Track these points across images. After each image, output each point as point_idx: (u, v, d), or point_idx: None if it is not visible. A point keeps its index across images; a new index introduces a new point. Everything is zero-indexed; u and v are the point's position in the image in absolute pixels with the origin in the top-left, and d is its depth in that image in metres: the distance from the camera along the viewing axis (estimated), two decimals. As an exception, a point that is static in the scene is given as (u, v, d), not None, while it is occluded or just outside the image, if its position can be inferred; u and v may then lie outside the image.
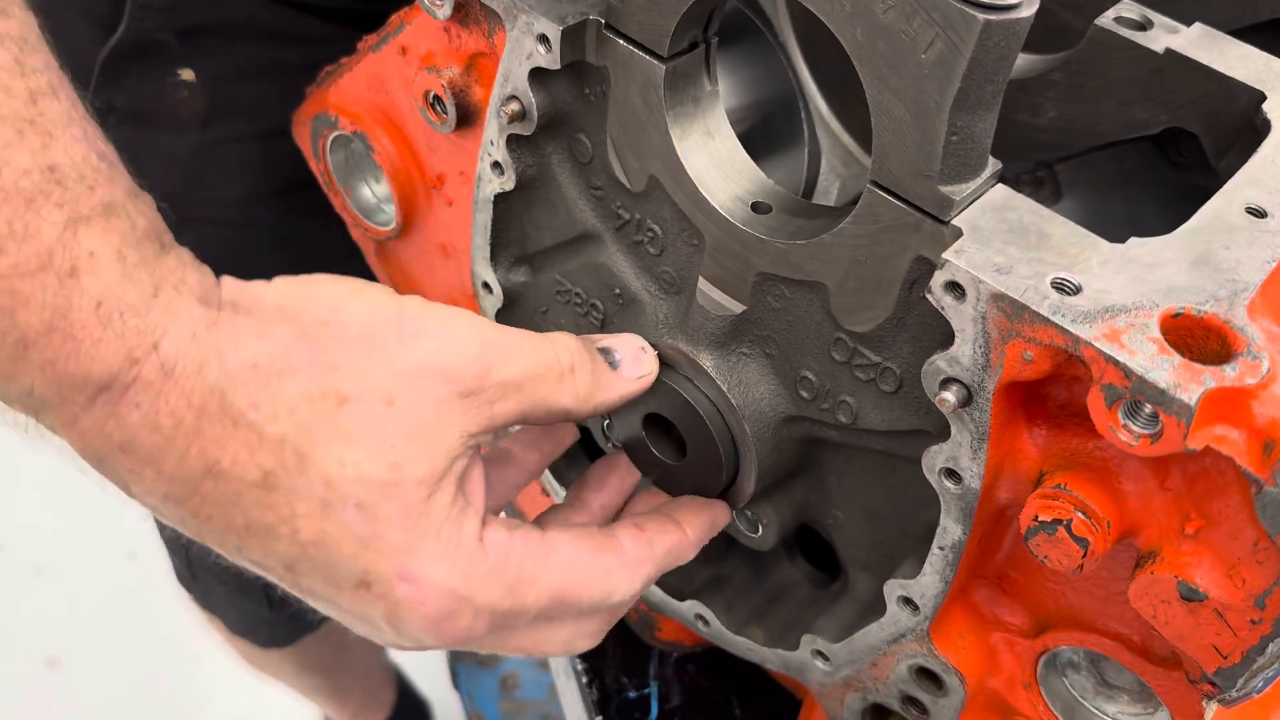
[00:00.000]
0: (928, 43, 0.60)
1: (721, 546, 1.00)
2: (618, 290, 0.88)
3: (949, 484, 0.71)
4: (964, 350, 0.65)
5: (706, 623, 0.98)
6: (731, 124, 0.81)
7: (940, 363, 0.67)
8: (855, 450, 0.82)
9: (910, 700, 0.86)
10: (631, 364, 0.78)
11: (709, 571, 1.00)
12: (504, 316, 0.97)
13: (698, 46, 0.75)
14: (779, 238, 0.75)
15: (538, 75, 0.79)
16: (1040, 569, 0.77)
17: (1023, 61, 0.87)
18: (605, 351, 0.76)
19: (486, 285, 0.96)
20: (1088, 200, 0.94)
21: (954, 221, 0.65)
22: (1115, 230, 0.76)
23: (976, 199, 0.66)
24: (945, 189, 0.64)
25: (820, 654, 0.89)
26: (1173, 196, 0.89)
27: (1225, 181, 0.74)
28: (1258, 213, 0.70)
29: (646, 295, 0.87)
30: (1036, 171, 0.94)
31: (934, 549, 0.75)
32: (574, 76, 0.80)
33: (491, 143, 0.86)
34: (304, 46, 1.22)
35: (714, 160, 0.78)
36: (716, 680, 1.18)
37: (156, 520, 0.65)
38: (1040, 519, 0.67)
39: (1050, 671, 0.82)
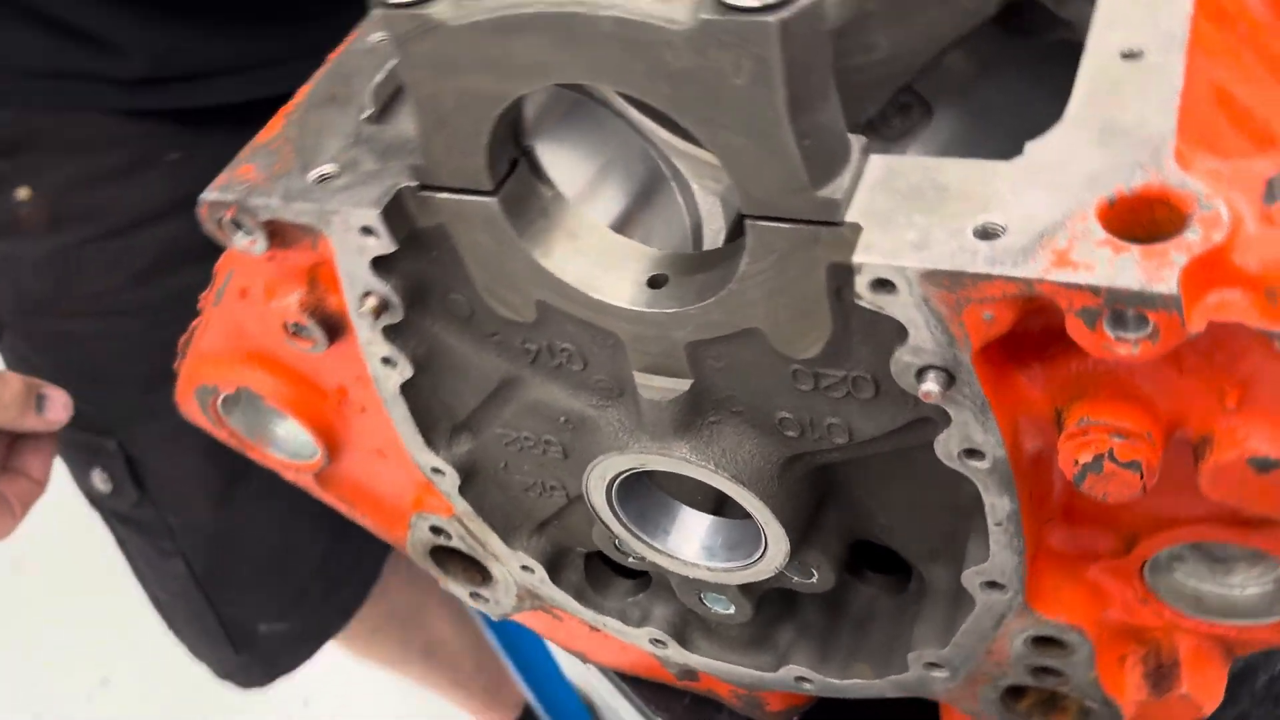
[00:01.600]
0: (735, 67, 0.55)
1: (789, 602, 0.94)
2: (563, 418, 0.83)
3: (974, 463, 0.66)
4: (922, 337, 0.60)
5: (809, 681, 0.93)
6: (597, 195, 0.77)
7: (905, 358, 0.62)
8: (869, 460, 0.77)
9: (1040, 670, 0.80)
10: (54, 409, 1.00)
11: (789, 632, 0.94)
12: (469, 489, 0.92)
13: (518, 162, 0.70)
14: (688, 305, 0.70)
15: (379, 263, 0.74)
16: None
17: (833, 10, 0.82)
18: (41, 397, 0.99)
19: (437, 470, 0.90)
20: (960, 104, 0.89)
21: (848, 219, 0.60)
22: (1003, 120, 0.71)
23: (858, 184, 0.61)
24: (823, 193, 0.59)
25: (933, 665, 0.83)
26: (1038, 63, 0.85)
27: (1081, 27, 0.69)
28: (1133, 54, 0.65)
29: (592, 410, 0.81)
30: (899, 100, 0.90)
31: (991, 527, 0.70)
32: (416, 246, 0.74)
33: (370, 343, 0.80)
34: (157, 145, 1.23)
35: (590, 259, 0.73)
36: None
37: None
38: (1081, 461, 0.61)
39: (1158, 575, 0.77)
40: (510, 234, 0.70)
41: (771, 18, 0.53)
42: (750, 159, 0.59)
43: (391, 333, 0.79)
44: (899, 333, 0.61)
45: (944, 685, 0.85)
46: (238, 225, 0.76)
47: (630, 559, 0.93)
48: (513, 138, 0.69)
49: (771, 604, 0.93)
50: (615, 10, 0.56)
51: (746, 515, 0.89)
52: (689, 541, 0.88)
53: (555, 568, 0.98)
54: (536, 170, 0.72)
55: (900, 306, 0.59)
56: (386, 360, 0.81)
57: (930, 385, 0.61)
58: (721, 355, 0.72)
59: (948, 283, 0.57)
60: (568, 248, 0.73)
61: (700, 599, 0.93)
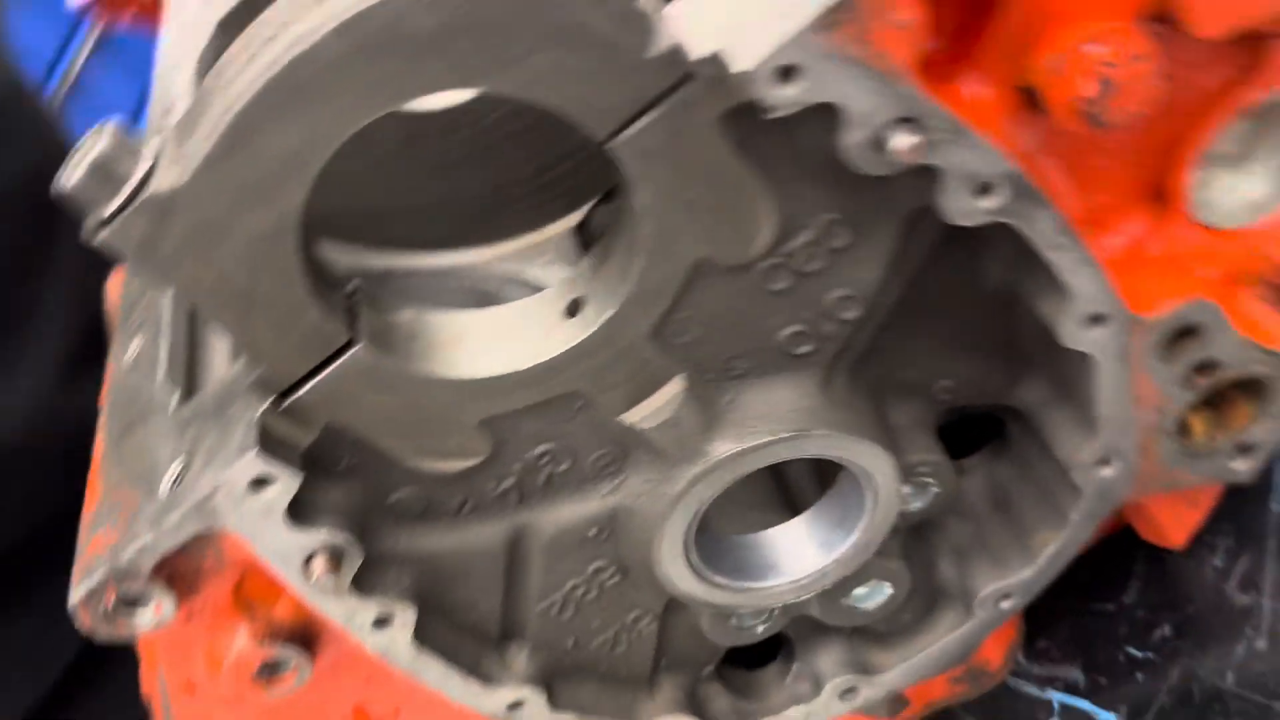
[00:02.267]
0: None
1: (930, 538, 0.81)
2: (593, 531, 0.70)
3: (989, 200, 0.57)
4: (859, 100, 0.51)
5: (1010, 594, 0.79)
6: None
7: (856, 135, 0.52)
8: (895, 324, 0.67)
9: (1194, 373, 0.70)
10: None
11: (951, 565, 0.81)
12: (561, 696, 0.76)
13: (355, 295, 0.58)
14: (623, 291, 0.59)
15: (296, 511, 0.60)
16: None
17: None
18: None
19: (515, 704, 0.74)
20: None
21: (696, 56, 0.51)
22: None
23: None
24: (656, 52, 0.50)
25: (1102, 462, 0.72)
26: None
27: None
28: None
29: (614, 498, 0.68)
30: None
31: (1050, 255, 0.60)
32: (320, 470, 0.61)
33: (351, 616, 0.65)
34: None
35: (497, 341, 0.61)
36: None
37: None
38: (1083, 96, 0.53)
39: (1202, 210, 0.69)
40: (402, 370, 0.58)
41: None
42: (569, 74, 0.50)
43: (364, 583, 0.64)
44: (830, 122, 0.52)
45: (1124, 477, 0.73)
46: (130, 602, 0.60)
47: (758, 627, 0.79)
48: (324, 270, 0.57)
49: (916, 551, 0.80)
50: (329, 24, 0.47)
51: (821, 488, 0.77)
52: (801, 552, 0.75)
53: (698, 707, 0.82)
54: (373, 302, 0.60)
55: (815, 83, 0.50)
56: (381, 621, 0.66)
57: (900, 139, 0.52)
58: (686, 324, 0.61)
59: (840, 15, 0.48)
60: (463, 348, 0.61)
61: (850, 606, 0.79)
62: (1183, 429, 0.76)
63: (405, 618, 0.67)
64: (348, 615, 0.65)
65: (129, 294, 0.81)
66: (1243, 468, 0.77)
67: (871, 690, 0.83)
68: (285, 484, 0.58)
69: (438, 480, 0.65)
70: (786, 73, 0.50)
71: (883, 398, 0.72)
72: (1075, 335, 0.65)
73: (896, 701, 0.89)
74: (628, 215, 0.57)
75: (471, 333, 0.62)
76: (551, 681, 0.76)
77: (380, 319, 0.60)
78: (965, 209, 0.57)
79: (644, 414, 0.64)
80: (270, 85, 0.47)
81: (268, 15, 0.50)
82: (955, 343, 0.72)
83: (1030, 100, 0.57)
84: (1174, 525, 0.84)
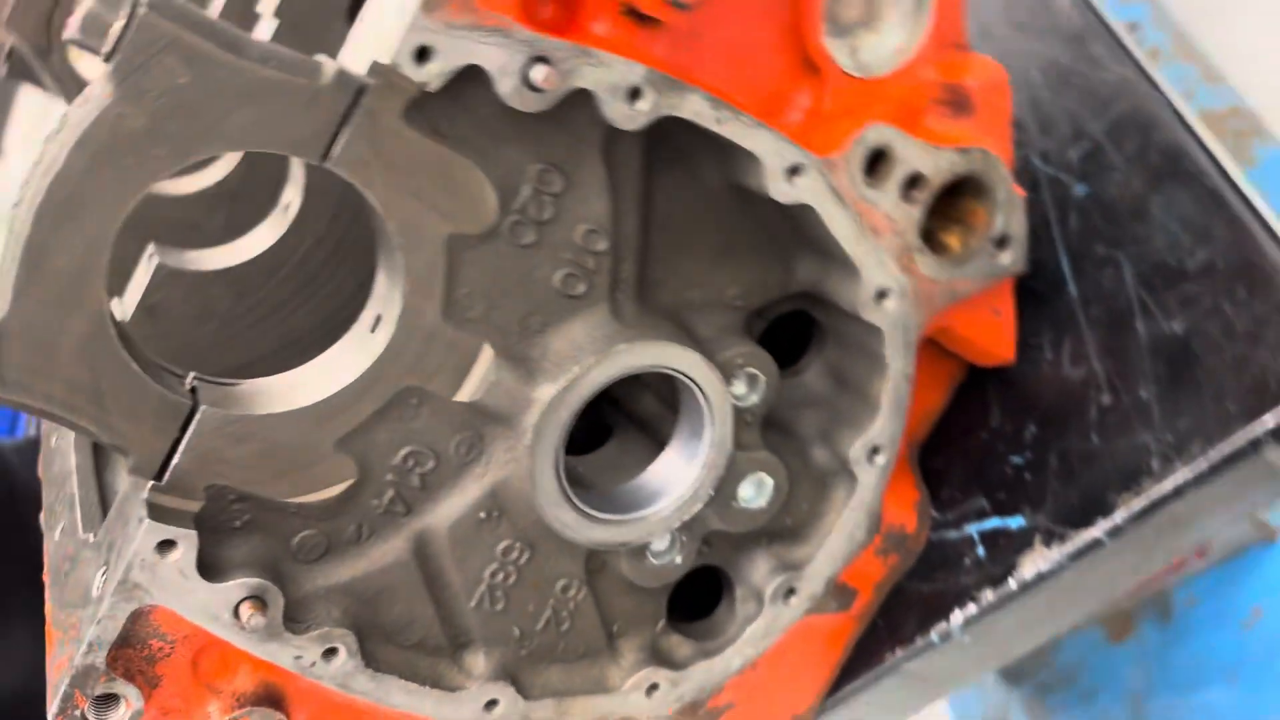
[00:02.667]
0: (170, 72, 0.60)
1: (787, 429, 0.91)
2: (482, 514, 0.79)
3: (644, 100, 0.70)
4: (491, 59, 0.65)
5: (881, 448, 0.88)
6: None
7: (505, 86, 0.66)
8: (655, 239, 0.79)
9: (909, 184, 0.82)
10: None
11: (822, 446, 0.91)
12: (531, 686, 0.83)
13: (195, 384, 0.69)
14: (404, 299, 0.70)
15: (208, 567, 0.69)
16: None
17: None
18: None
19: (490, 702, 0.82)
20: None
21: (360, 71, 0.64)
22: None
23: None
24: (327, 80, 0.64)
25: (880, 296, 0.83)
26: None
27: None
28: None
29: (488, 476, 0.78)
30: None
31: (720, 131, 0.73)
32: (219, 528, 0.71)
33: (300, 654, 0.74)
34: None
35: (322, 371, 0.73)
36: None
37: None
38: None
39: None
40: (248, 418, 0.69)
41: (143, 11, 0.59)
42: (267, 123, 0.63)
43: (298, 625, 0.73)
44: (487, 82, 0.65)
45: (906, 304, 0.84)
46: (105, 699, 0.69)
47: (675, 558, 0.87)
48: (162, 366, 0.69)
49: (785, 447, 0.89)
50: (68, 144, 0.60)
51: (660, 415, 0.87)
52: (674, 472, 0.84)
53: (664, 659, 0.90)
54: (212, 381, 0.72)
55: (448, 54, 0.64)
56: (329, 652, 0.74)
57: (538, 73, 0.65)
58: (469, 300, 0.73)
59: (440, -6, 0.62)
60: (300, 385, 0.72)
61: (743, 508, 0.87)
62: (939, 246, 0.88)
63: (349, 643, 0.75)
64: (296, 656, 0.74)
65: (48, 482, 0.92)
66: (1008, 259, 0.88)
67: (807, 583, 0.91)
68: (187, 543, 0.68)
69: (325, 513, 0.74)
70: (422, 53, 0.63)
71: (685, 320, 0.83)
72: (783, 190, 0.77)
73: (843, 593, 0.96)
74: (377, 221, 0.70)
75: (302, 376, 0.73)
76: (516, 675, 0.84)
77: (220, 390, 0.71)
78: (626, 114, 0.70)
79: (471, 388, 0.74)
80: (40, 210, 0.60)
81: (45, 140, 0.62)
82: (721, 253, 0.84)
83: (641, 17, 0.70)
84: (997, 341, 0.94)
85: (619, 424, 0.96)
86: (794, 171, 0.76)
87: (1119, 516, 0.85)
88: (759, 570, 0.91)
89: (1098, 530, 0.86)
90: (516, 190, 0.72)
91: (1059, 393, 0.93)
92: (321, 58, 0.64)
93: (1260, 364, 0.80)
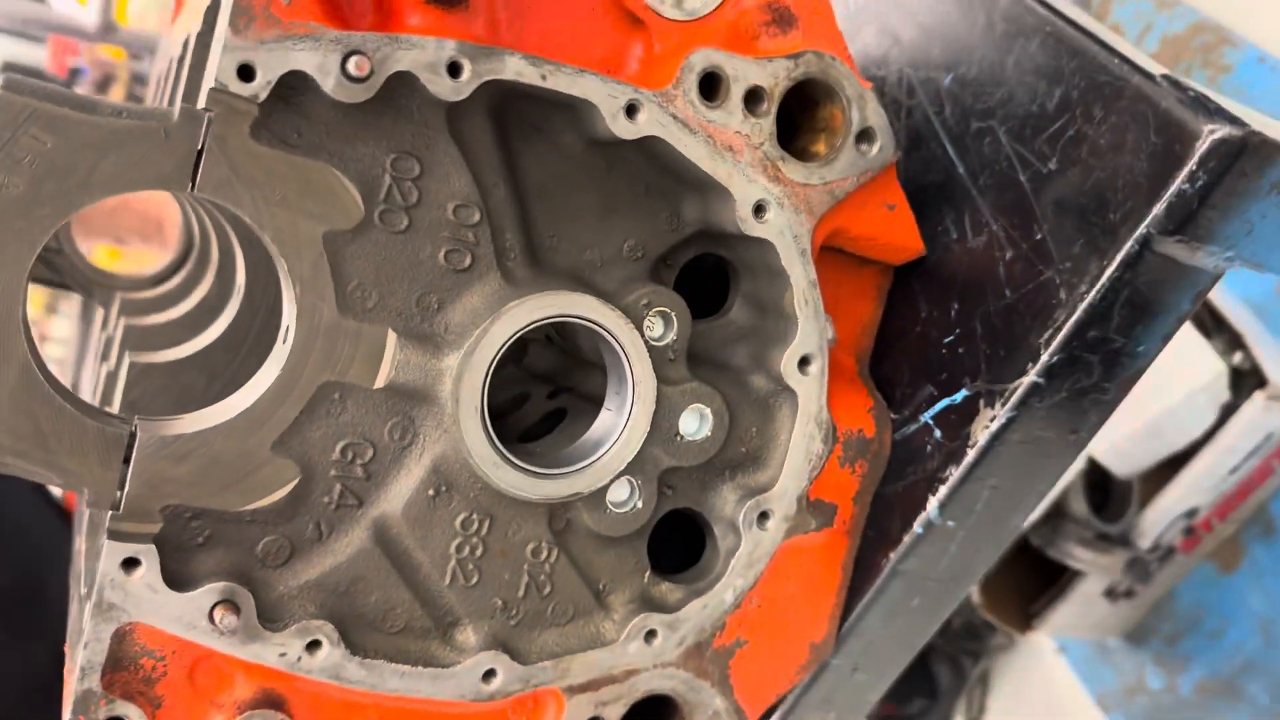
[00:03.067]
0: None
1: (723, 366, 0.94)
2: (431, 489, 0.84)
3: (464, 73, 0.77)
4: (308, 61, 0.73)
5: (810, 359, 0.92)
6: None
7: (330, 83, 0.73)
8: (539, 200, 0.85)
9: (748, 101, 0.87)
10: None
11: (762, 374, 0.94)
12: (525, 650, 0.87)
13: (135, 429, 0.77)
14: (299, 301, 0.78)
15: (176, 577, 0.75)
16: None
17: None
18: None
19: (489, 673, 0.85)
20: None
21: (201, 103, 0.73)
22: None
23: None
24: (176, 117, 0.72)
25: (757, 211, 0.87)
26: None
27: None
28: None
29: (420, 445, 0.83)
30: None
31: (549, 85, 0.80)
32: (185, 547, 0.77)
33: (282, 648, 0.79)
34: None
35: (246, 386, 0.79)
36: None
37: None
38: (449, -32, 0.75)
39: None
40: (184, 434, 0.76)
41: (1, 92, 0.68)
42: (132, 168, 0.71)
43: (272, 622, 0.78)
44: (312, 87, 0.73)
45: (785, 214, 0.88)
46: (117, 696, 0.75)
47: (636, 503, 0.90)
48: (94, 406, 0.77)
49: (723, 381, 0.93)
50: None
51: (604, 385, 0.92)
52: (611, 419, 0.88)
53: (657, 606, 0.92)
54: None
55: (268, 67, 0.72)
56: (313, 644, 0.79)
57: (352, 64, 0.73)
58: (362, 291, 0.80)
59: (240, 16, 0.71)
60: (227, 400, 0.79)
61: (690, 442, 0.91)
62: (810, 156, 0.92)
63: (329, 633, 0.80)
64: (281, 653, 0.79)
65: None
66: (874, 150, 0.92)
67: (777, 504, 0.93)
68: (150, 558, 0.74)
69: (281, 517, 0.80)
70: (244, 72, 0.72)
71: (588, 279, 0.88)
72: (625, 128, 0.83)
73: (821, 509, 0.98)
74: (261, 236, 0.77)
75: (232, 396, 0.80)
76: (509, 644, 0.87)
77: (158, 422, 0.78)
78: (451, 87, 0.77)
79: (386, 372, 0.80)
80: (-49, 282, 0.69)
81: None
82: (604, 210, 0.89)
83: (443, 1, 0.78)
84: (900, 233, 0.97)
85: (575, 407, 1.01)
86: (631, 109, 0.83)
87: (1044, 355, 0.86)
88: (728, 503, 0.94)
89: (1031, 375, 0.87)
90: (378, 181, 0.79)
91: (970, 265, 0.95)
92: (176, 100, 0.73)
93: (1128, 167, 0.82)
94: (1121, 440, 1.91)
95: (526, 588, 0.88)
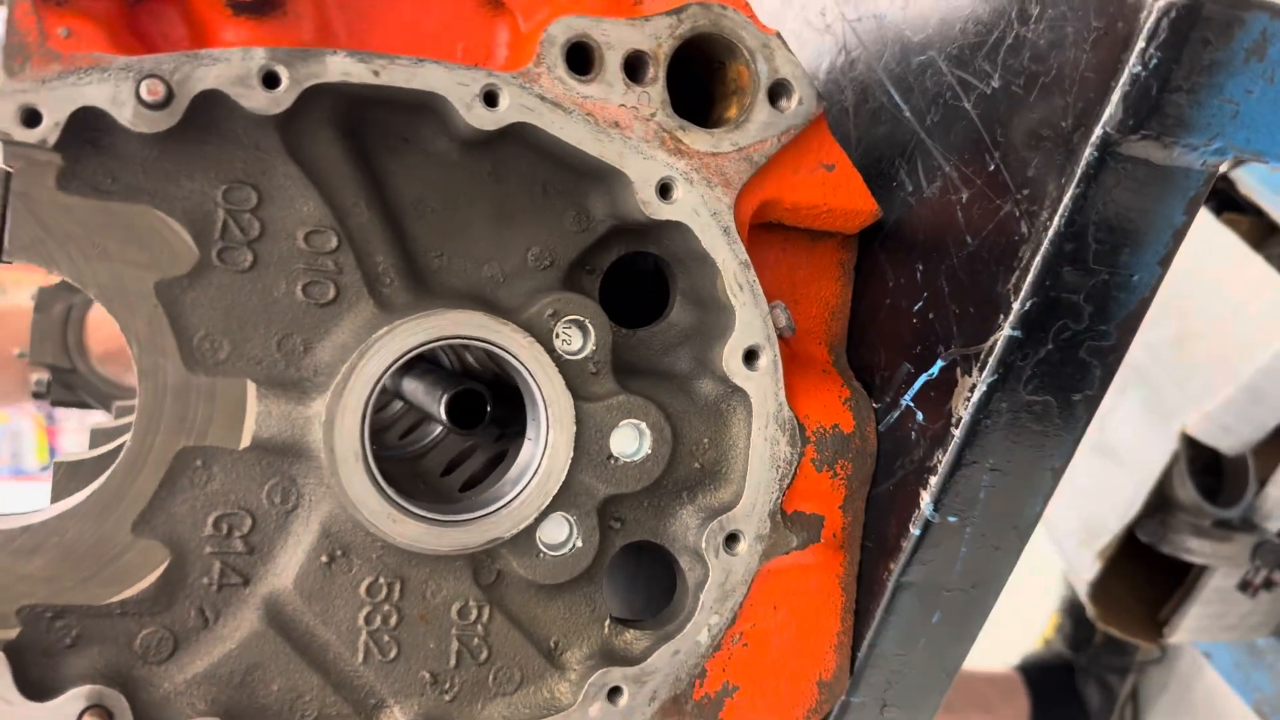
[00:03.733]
0: None
1: (655, 375, 0.83)
2: (324, 554, 0.74)
3: (284, 83, 0.69)
4: (99, 96, 0.66)
5: (759, 350, 0.80)
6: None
7: (125, 114, 0.66)
8: (420, 218, 0.76)
9: (629, 69, 0.77)
10: None
11: (710, 379, 0.82)
12: (458, 710, 0.76)
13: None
14: (140, 360, 0.70)
15: (40, 691, 0.67)
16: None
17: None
18: None
19: (423, 760, 0.74)
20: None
21: (-5, 156, 0.66)
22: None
23: None
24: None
25: (662, 191, 0.77)
26: None
27: None
28: None
29: (306, 506, 0.74)
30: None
31: (382, 81, 0.71)
32: (51, 649, 0.69)
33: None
34: None
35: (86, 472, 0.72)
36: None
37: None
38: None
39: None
40: (41, 529, 0.68)
41: None
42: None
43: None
44: (115, 124, 0.66)
45: (695, 193, 0.77)
46: None
47: (575, 543, 0.79)
48: None
49: (665, 393, 0.81)
50: None
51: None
52: (527, 454, 0.77)
53: (620, 658, 0.80)
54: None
55: (55, 108, 0.65)
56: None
57: (146, 90, 0.66)
58: (210, 342, 0.71)
59: (12, 59, 0.64)
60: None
61: (626, 464, 0.79)
62: (718, 119, 0.81)
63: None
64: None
65: None
66: (791, 104, 0.80)
67: (745, 523, 0.81)
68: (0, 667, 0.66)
69: (155, 606, 0.71)
70: (28, 116, 0.64)
71: (489, 298, 0.78)
72: (485, 117, 0.73)
73: (803, 523, 0.85)
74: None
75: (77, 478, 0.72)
76: (438, 714, 0.76)
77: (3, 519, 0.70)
78: (270, 100, 0.68)
79: (250, 429, 0.71)
80: None
81: None
82: (497, 220, 0.79)
83: (249, 8, 0.70)
84: (849, 198, 0.85)
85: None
86: (490, 96, 0.73)
87: (1015, 303, 0.72)
88: (689, 529, 0.82)
89: (1005, 329, 0.73)
90: (211, 218, 0.71)
91: (929, 218, 0.82)
92: (-37, 164, 0.67)
93: (1072, 64, 0.69)
94: (1219, 411, 1.69)
95: (458, 655, 0.77)
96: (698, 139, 0.78)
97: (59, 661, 0.69)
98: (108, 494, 0.70)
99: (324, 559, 0.74)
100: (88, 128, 0.67)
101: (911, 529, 0.81)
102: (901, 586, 0.83)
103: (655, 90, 0.77)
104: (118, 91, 0.66)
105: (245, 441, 0.71)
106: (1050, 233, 0.70)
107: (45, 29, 0.65)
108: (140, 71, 0.66)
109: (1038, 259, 0.71)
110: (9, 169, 0.66)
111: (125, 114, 0.66)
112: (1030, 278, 0.71)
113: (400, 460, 1.10)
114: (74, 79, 0.65)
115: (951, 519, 0.80)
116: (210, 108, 0.68)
